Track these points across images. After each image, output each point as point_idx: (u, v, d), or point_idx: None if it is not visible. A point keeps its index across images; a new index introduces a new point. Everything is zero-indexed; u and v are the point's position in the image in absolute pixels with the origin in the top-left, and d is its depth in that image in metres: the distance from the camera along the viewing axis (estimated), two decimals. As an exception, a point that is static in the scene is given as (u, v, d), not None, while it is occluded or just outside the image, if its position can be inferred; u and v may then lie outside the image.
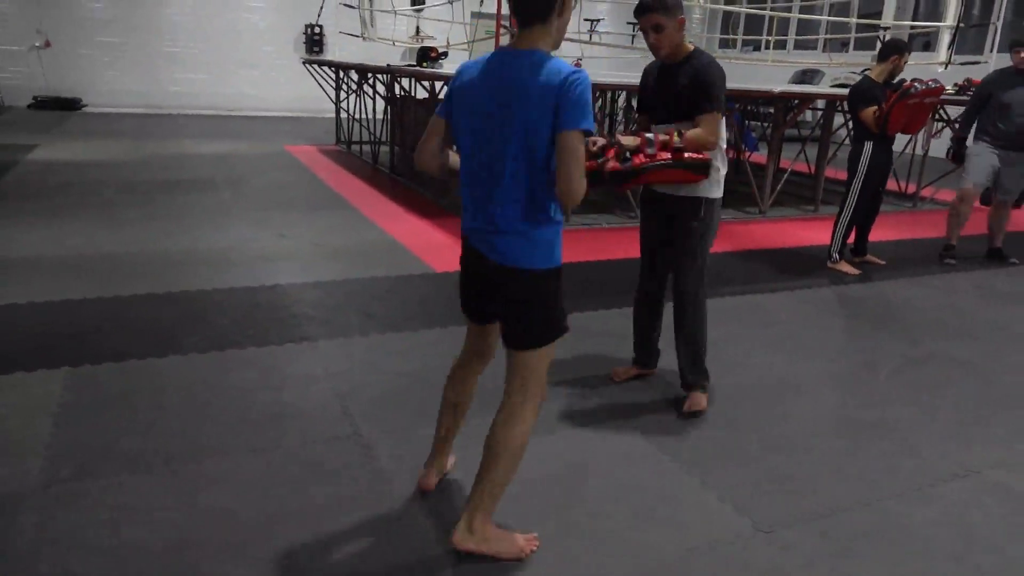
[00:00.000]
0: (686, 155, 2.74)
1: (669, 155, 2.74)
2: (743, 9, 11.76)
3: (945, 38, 9.57)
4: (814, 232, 6.49)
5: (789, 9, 14.33)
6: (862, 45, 13.65)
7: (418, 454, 2.51)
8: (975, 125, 5.60)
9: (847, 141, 5.68)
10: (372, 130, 9.36)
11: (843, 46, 14.18)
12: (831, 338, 4.08)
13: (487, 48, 6.67)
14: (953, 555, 2.25)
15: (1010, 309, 4.67)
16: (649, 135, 2.76)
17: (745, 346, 3.80)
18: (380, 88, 9.07)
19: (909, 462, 2.78)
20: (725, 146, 2.95)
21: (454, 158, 2.13)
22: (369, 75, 9.19)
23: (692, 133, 2.77)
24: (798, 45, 15.28)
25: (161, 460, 2.52)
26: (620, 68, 13.19)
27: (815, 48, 14.76)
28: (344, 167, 8.86)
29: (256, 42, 14.37)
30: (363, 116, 9.61)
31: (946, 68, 8.96)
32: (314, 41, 14.19)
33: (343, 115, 10.65)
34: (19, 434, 2.64)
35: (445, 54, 7.51)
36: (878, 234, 5.87)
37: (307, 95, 12.32)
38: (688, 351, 3.10)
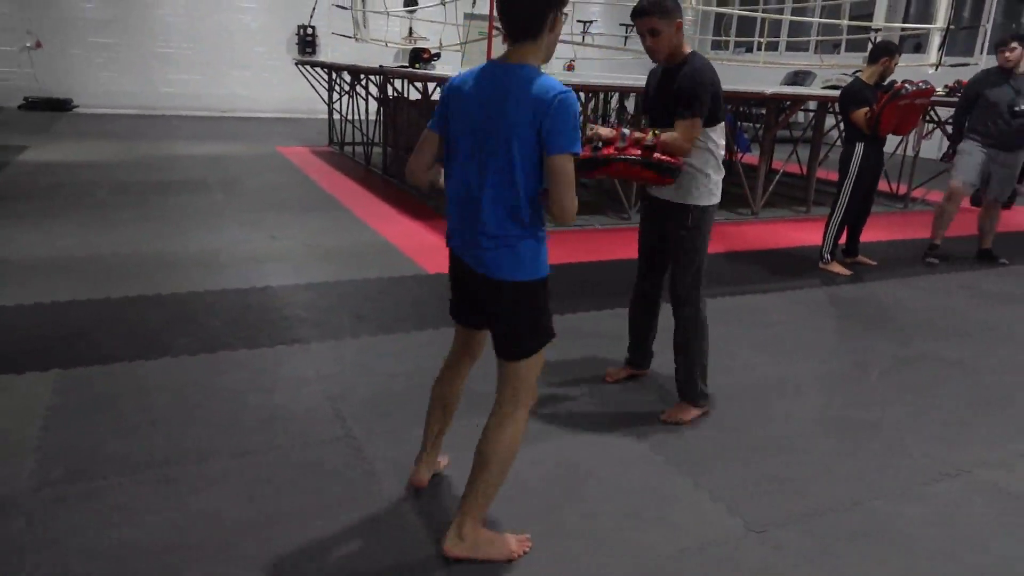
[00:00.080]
0: (655, 156, 2.74)
1: (639, 152, 2.75)
2: (735, 11, 11.80)
3: (936, 40, 9.62)
4: (806, 233, 6.52)
5: (781, 11, 14.38)
6: (853, 47, 13.71)
7: (410, 456, 2.51)
8: (966, 124, 5.63)
9: (838, 142, 5.70)
10: (365, 131, 9.35)
11: (834, 48, 14.23)
12: (823, 339, 4.09)
13: (480, 49, 6.68)
14: (943, 554, 2.26)
15: (1000, 309, 4.70)
16: (625, 130, 2.77)
17: (737, 347, 3.81)
18: (373, 89, 9.06)
19: (900, 462, 2.79)
20: (722, 152, 2.90)
21: (442, 178, 2.14)
22: (362, 76, 9.18)
23: (667, 136, 2.76)
24: (790, 47, 15.33)
25: (151, 462, 2.51)
26: (613, 70, 13.22)
27: (807, 50, 14.81)
28: (337, 168, 8.85)
29: (248, 43, 14.33)
30: (356, 117, 9.61)
31: (936, 70, 9.01)
32: (307, 42, 14.16)
33: (336, 116, 10.63)
34: (9, 437, 2.62)
35: (438, 55, 7.50)
36: (869, 235, 5.89)
37: (300, 96, 12.29)
38: (682, 361, 3.03)
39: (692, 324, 3.00)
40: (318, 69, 10.79)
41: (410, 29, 13.46)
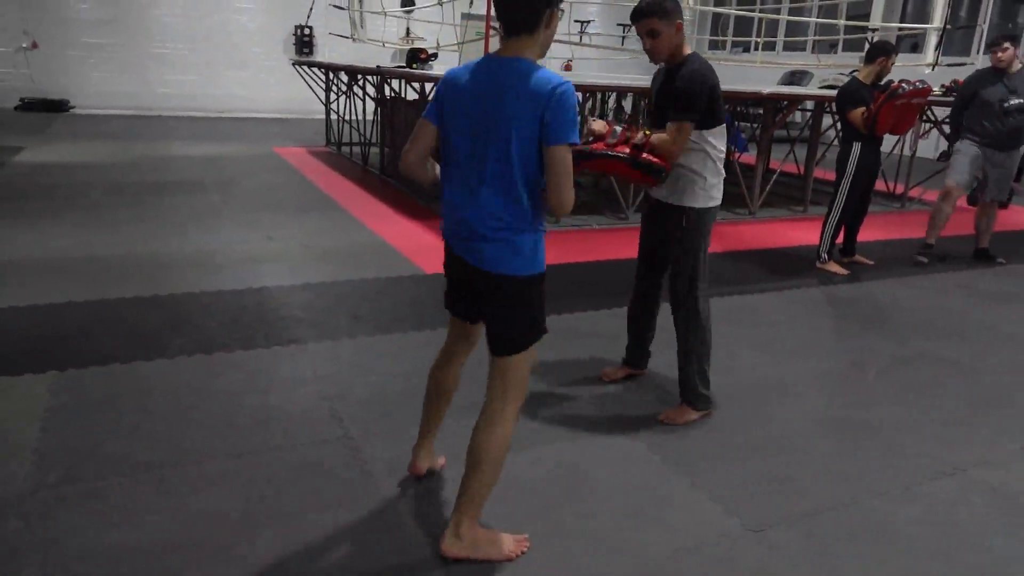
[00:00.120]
0: (642, 156, 2.74)
1: (627, 150, 2.74)
2: (732, 11, 11.81)
3: (932, 40, 9.64)
4: (803, 232, 6.52)
5: (778, 11, 14.40)
6: (850, 47, 13.74)
7: (408, 456, 2.51)
8: (962, 124, 5.64)
9: (836, 142, 5.70)
10: (362, 131, 9.34)
11: (831, 47, 14.25)
12: (820, 338, 4.10)
13: (477, 49, 6.67)
14: (939, 553, 2.27)
15: (997, 309, 4.70)
16: (617, 127, 2.77)
17: (734, 346, 3.81)
18: (370, 90, 9.05)
19: (897, 461, 2.79)
20: (722, 155, 2.87)
21: (437, 169, 2.14)
22: (359, 76, 9.17)
23: (657, 137, 2.75)
24: (787, 46, 15.35)
25: (149, 463, 2.50)
26: (610, 69, 13.22)
27: (804, 49, 14.83)
28: (334, 168, 8.84)
29: (245, 43, 14.31)
30: (353, 118, 9.60)
31: (933, 69, 9.03)
32: (304, 42, 14.15)
33: (333, 117, 10.62)
34: (6, 438, 2.61)
35: (435, 55, 7.50)
36: (866, 234, 5.90)
37: (297, 96, 12.27)
38: (683, 362, 3.01)
39: (689, 326, 2.98)
40: (315, 69, 10.79)
41: (407, 29, 13.47)
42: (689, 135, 2.78)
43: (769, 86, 8.60)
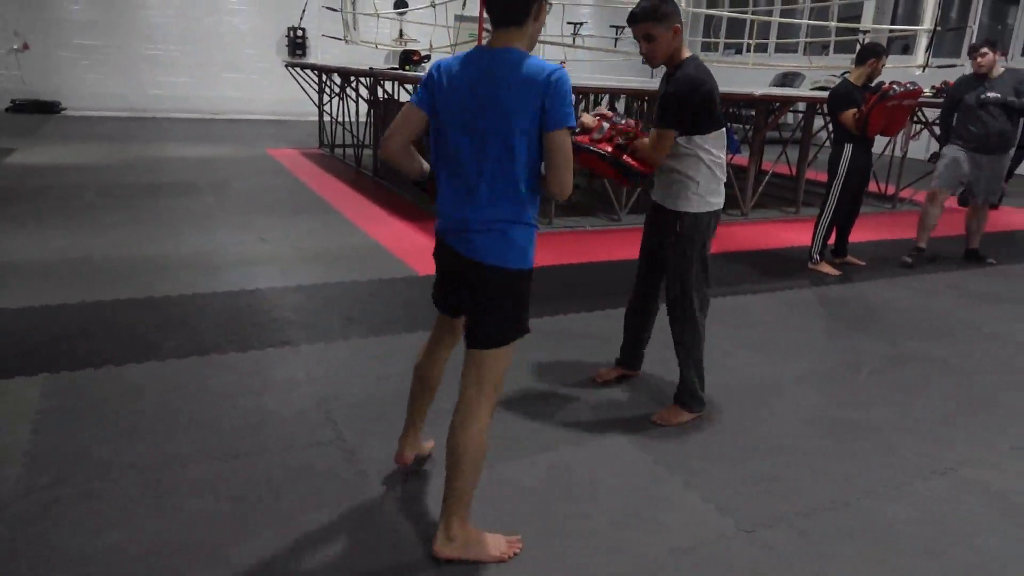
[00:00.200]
0: (624, 156, 2.74)
1: (610, 149, 2.75)
2: (725, 13, 11.84)
3: (923, 41, 9.69)
4: (795, 233, 6.55)
5: (770, 13, 14.45)
6: (842, 48, 13.80)
7: (401, 458, 2.51)
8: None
9: (827, 143, 5.74)
10: (355, 133, 9.33)
11: (823, 49, 14.32)
12: (812, 339, 4.11)
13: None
14: (930, 551, 2.28)
15: (987, 309, 4.73)
16: (605, 123, 2.77)
17: (726, 347, 3.82)
18: (363, 91, 9.05)
19: (888, 461, 2.81)
20: (720, 160, 2.85)
21: (422, 161, 2.14)
22: (352, 78, 9.17)
23: (640, 142, 2.76)
24: (779, 48, 15.39)
25: (142, 466, 2.50)
26: (603, 71, 13.24)
27: (796, 51, 14.89)
28: (327, 170, 8.83)
29: (238, 45, 14.29)
30: (346, 119, 9.59)
31: (924, 71, 9.08)
32: (296, 44, 14.12)
33: (326, 118, 10.61)
34: (-4, 441, 2.61)
35: (428, 57, 7.50)
36: (858, 235, 5.93)
37: (290, 98, 12.26)
38: (681, 363, 3.02)
39: (684, 329, 2.99)
40: (308, 71, 10.77)
41: (400, 31, 13.47)
42: (670, 143, 2.76)
43: (761, 88, 8.63)
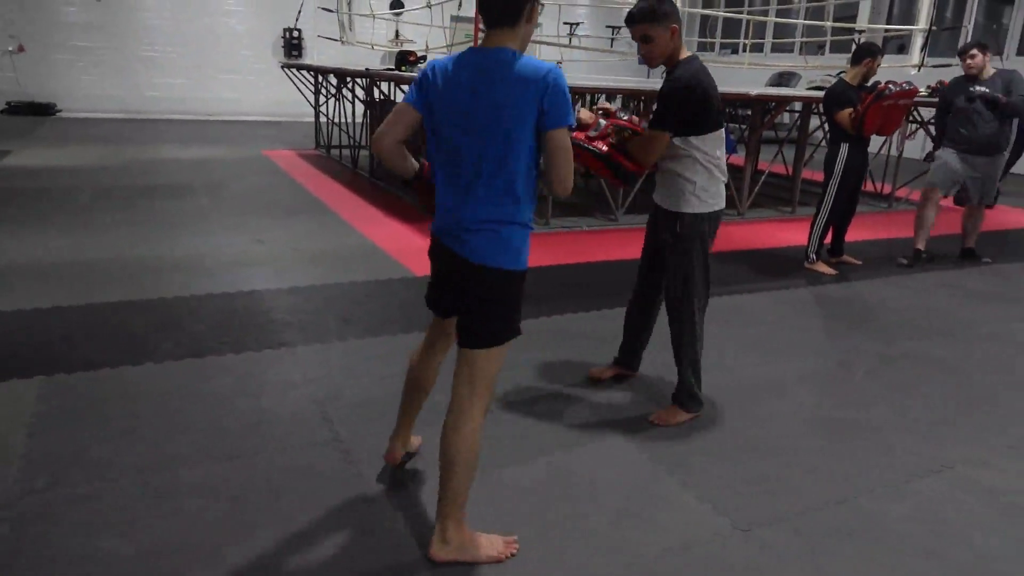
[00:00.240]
0: (616, 156, 2.74)
1: (604, 147, 2.74)
2: (721, 12, 11.86)
3: (918, 41, 9.71)
4: (791, 233, 6.56)
5: (766, 13, 14.47)
6: (837, 48, 13.83)
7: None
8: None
9: (823, 143, 5.74)
10: (351, 134, 9.33)
11: (819, 49, 14.34)
12: (808, 338, 4.12)
13: (466, 52, 6.69)
14: (926, 550, 2.28)
15: (982, 308, 4.74)
16: (602, 120, 2.77)
17: (723, 346, 3.83)
18: (359, 92, 9.04)
19: (884, 460, 2.81)
20: (719, 160, 2.85)
21: (412, 161, 2.13)
22: (348, 79, 9.16)
23: (632, 144, 2.76)
24: (775, 48, 15.43)
25: (138, 468, 2.49)
26: (599, 71, 13.25)
27: (791, 51, 14.92)
28: (323, 171, 8.83)
29: (234, 46, 14.27)
30: (342, 120, 9.58)
31: (919, 70, 9.10)
32: (292, 45, 14.12)
33: (322, 119, 10.60)
34: (-8, 444, 2.60)
35: (424, 58, 7.51)
36: (854, 234, 5.94)
37: (286, 99, 12.24)
38: (678, 363, 3.03)
39: (682, 330, 2.99)
40: (304, 72, 10.77)
41: (396, 32, 13.47)
42: (662, 144, 2.76)
43: (757, 87, 8.64)
